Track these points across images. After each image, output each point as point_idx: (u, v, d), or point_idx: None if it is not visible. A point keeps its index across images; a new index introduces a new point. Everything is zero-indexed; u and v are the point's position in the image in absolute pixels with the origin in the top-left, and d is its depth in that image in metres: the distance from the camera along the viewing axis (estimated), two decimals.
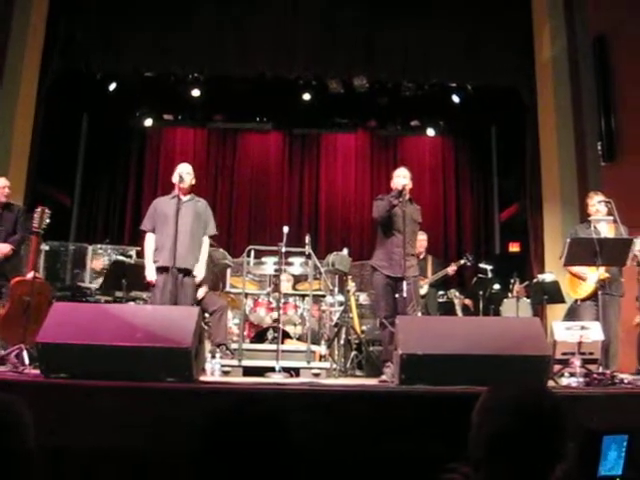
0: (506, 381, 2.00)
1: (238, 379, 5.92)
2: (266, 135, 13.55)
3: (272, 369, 6.14)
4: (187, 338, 4.45)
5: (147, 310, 5.71)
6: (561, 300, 7.66)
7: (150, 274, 6.49)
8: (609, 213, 6.34)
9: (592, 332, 5.63)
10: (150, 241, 6.62)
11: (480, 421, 1.91)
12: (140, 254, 8.68)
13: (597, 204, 6.47)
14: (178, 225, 6.20)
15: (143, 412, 3.82)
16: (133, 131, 13.25)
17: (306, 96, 12.00)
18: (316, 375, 6.39)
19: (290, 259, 7.73)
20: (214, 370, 6.20)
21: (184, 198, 6.62)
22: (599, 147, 9.67)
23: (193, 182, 6.84)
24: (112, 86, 11.31)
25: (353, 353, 8.06)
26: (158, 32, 9.73)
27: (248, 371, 6.34)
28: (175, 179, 6.71)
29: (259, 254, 8.14)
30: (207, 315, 7.23)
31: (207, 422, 1.63)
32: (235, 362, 6.45)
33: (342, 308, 8.17)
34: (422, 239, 8.82)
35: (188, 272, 6.47)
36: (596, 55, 9.93)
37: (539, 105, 10.31)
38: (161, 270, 6.40)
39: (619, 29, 9.68)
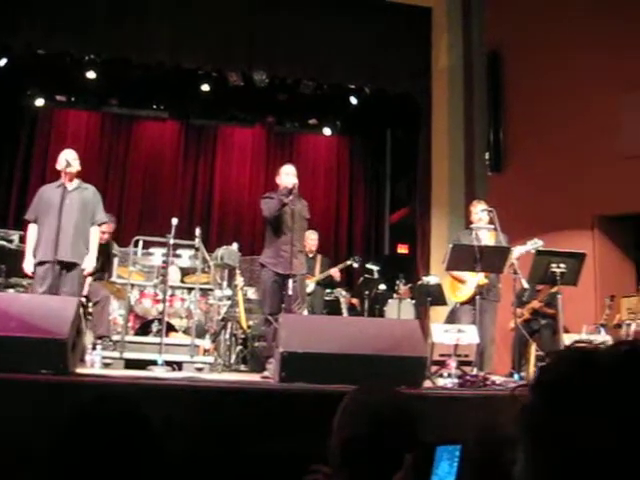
0: (364, 385, 2.06)
1: (118, 372, 5.79)
2: (162, 123, 13.31)
3: (154, 362, 6.03)
4: (63, 329, 4.32)
5: (23, 299, 5.50)
6: (443, 302, 7.90)
7: (28, 267, 6.27)
8: (491, 221, 6.58)
9: (468, 335, 5.84)
10: (32, 232, 6.38)
11: (337, 424, 1.95)
12: (23, 239, 8.36)
13: (480, 212, 6.70)
14: (62, 216, 5.98)
15: (15, 405, 3.69)
16: (23, 110, 12.71)
17: (205, 87, 11.88)
18: (199, 369, 6.33)
19: (179, 251, 7.64)
20: (94, 362, 6.04)
21: (70, 186, 6.40)
22: (487, 157, 10.05)
23: (79, 168, 6.61)
24: (2, 61, 10.81)
25: (238, 348, 8.05)
26: (55, 9, 9.35)
27: (130, 364, 6.20)
28: (60, 165, 6.46)
29: (148, 245, 8.00)
30: (90, 305, 7.06)
31: (68, 416, 1.60)
32: (117, 354, 6.30)
33: (229, 302, 8.14)
34: (313, 238, 8.91)
35: (71, 265, 6.26)
36: (489, 69, 10.34)
37: (433, 112, 10.60)
38: (42, 263, 6.17)
39: (512, 46, 10.09)
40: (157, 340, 6.41)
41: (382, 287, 9.79)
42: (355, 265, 9.33)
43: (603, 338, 6.98)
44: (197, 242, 7.33)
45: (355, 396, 2.03)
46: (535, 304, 8.15)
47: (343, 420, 1.96)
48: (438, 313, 8.57)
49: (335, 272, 9.02)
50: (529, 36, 9.88)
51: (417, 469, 1.53)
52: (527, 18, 9.91)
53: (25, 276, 7.17)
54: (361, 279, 9.58)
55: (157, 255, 7.68)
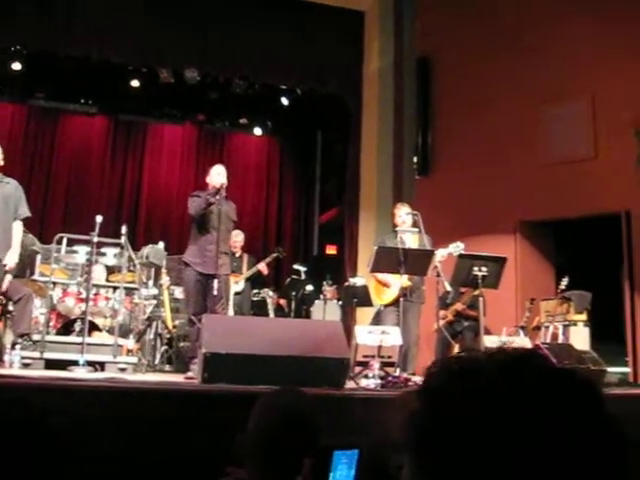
0: (275, 389, 2.13)
1: (37, 372, 5.66)
2: (90, 118, 13.05)
3: (76, 363, 5.92)
4: None
5: None
6: (369, 304, 7.97)
7: None
8: (415, 224, 6.68)
9: (391, 337, 5.92)
10: None
11: (250, 425, 2.01)
12: None
13: (404, 215, 6.79)
14: None
15: None
16: None
17: (135, 83, 11.71)
18: (122, 370, 6.24)
19: (104, 249, 7.52)
20: (13, 362, 5.88)
21: None
22: (415, 161, 10.22)
23: (1, 163, 6.42)
24: None
25: (163, 348, 7.98)
26: None
27: (51, 364, 6.07)
28: None
29: (73, 242, 7.85)
30: (11, 304, 6.87)
31: None
32: (37, 354, 6.15)
33: (155, 302, 8.05)
34: (240, 237, 8.89)
35: None
36: (419, 74, 10.51)
37: (363, 115, 10.71)
38: None
39: (442, 53, 10.28)
40: (79, 340, 6.29)
41: (309, 288, 9.85)
42: (281, 256, 9.32)
43: (522, 340, 7.18)
44: (123, 240, 7.22)
45: (265, 399, 2.10)
46: (458, 306, 8.32)
47: (252, 422, 2.02)
48: (364, 314, 8.65)
49: (263, 267, 9.01)
50: (459, 43, 10.08)
51: (315, 473, 1.56)
52: (457, 26, 10.11)
53: None
54: (288, 280, 9.60)
55: (81, 253, 7.54)
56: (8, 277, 6.69)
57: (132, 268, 7.94)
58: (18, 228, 6.37)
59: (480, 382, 0.77)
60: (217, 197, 6.14)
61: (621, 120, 8.66)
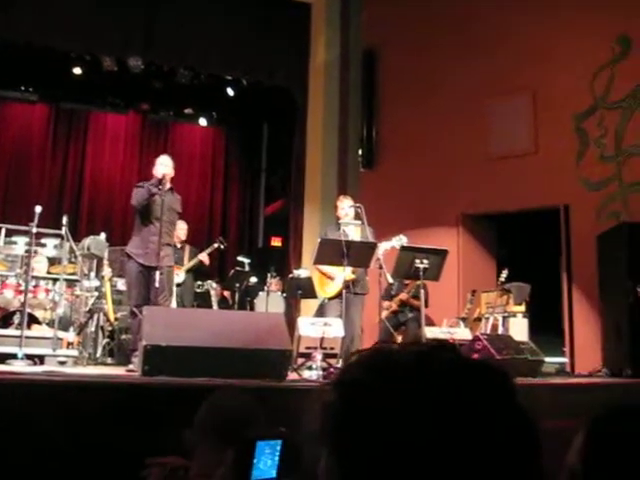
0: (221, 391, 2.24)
1: None
2: (31, 106, 12.75)
3: (14, 356, 5.81)
4: None
5: None
6: (313, 296, 7.98)
7: None
8: (358, 217, 6.72)
9: (334, 328, 5.95)
10: None
11: (196, 422, 2.09)
12: None
13: (347, 208, 6.81)
14: None
15: None
16: None
17: (77, 70, 11.48)
18: (62, 363, 6.15)
19: (44, 240, 7.37)
20: None
21: None
22: (360, 154, 10.29)
23: None
24: None
25: (105, 340, 7.88)
26: None
27: None
28: None
29: (11, 233, 7.69)
30: None
31: None
32: None
33: (97, 294, 7.94)
34: (182, 228, 8.80)
35: None
36: (365, 67, 10.57)
37: (309, 107, 10.72)
38: None
39: (388, 46, 10.35)
40: (18, 333, 6.17)
41: (253, 280, 9.83)
42: (222, 247, 9.27)
43: (462, 331, 7.29)
44: (63, 231, 7.10)
45: (210, 399, 2.20)
46: (403, 296, 8.41)
47: (198, 419, 2.11)
48: (309, 306, 8.69)
49: (204, 257, 8.94)
50: (405, 36, 10.17)
51: (238, 464, 1.58)
52: (404, 18, 10.20)
53: None
54: (232, 272, 9.57)
55: (20, 244, 7.39)
56: None
57: (73, 259, 7.81)
58: None
59: (393, 374, 0.79)
60: (160, 188, 6.08)
61: (562, 116, 8.87)
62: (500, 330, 8.04)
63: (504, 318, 8.15)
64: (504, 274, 8.19)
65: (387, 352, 0.84)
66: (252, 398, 2.30)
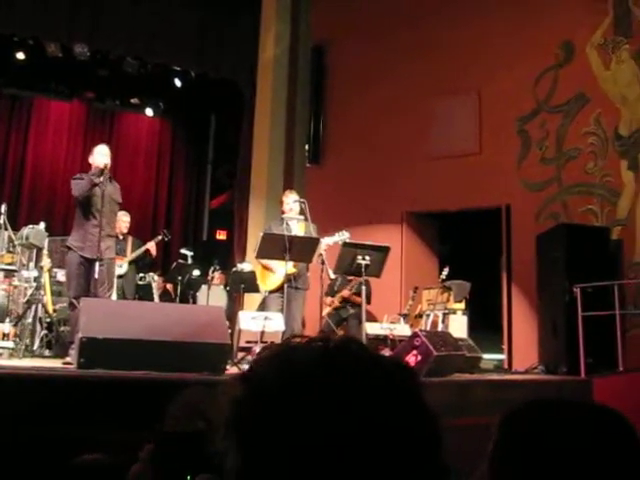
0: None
1: None
2: None
3: None
4: None
5: None
6: (256, 290, 7.97)
7: None
8: (302, 212, 6.73)
9: (274, 322, 5.98)
10: None
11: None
12: None
13: (292, 203, 6.82)
14: None
15: None
16: None
17: (20, 55, 11.21)
18: None
19: None
20: None
21: None
22: (306, 149, 10.30)
23: None
24: None
25: (43, 332, 7.73)
26: None
27: None
28: None
29: None
30: None
31: None
32: None
33: (35, 285, 7.79)
34: (125, 220, 8.70)
35: None
36: (314, 62, 10.58)
37: (257, 101, 10.69)
38: None
39: (337, 42, 10.38)
40: None
41: (196, 273, 9.76)
42: (165, 239, 9.19)
43: (402, 327, 7.38)
44: (1, 220, 6.95)
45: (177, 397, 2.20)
46: (345, 293, 8.46)
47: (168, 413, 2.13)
48: (252, 300, 8.67)
49: (152, 245, 8.86)
50: (354, 34, 10.21)
51: (154, 458, 1.59)
52: (354, 16, 10.25)
53: None
54: (174, 264, 9.49)
55: None
56: None
57: (11, 249, 7.65)
58: None
59: (296, 370, 0.80)
60: (101, 178, 5.99)
61: (505, 117, 9.03)
62: (440, 327, 8.15)
63: (444, 315, 8.26)
64: (445, 272, 8.31)
65: (293, 347, 0.85)
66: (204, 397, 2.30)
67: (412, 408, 0.82)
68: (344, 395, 0.78)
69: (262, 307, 7.44)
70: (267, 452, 0.78)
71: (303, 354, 0.83)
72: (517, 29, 8.98)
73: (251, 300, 8.74)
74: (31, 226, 7.70)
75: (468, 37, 9.27)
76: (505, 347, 8.77)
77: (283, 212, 6.92)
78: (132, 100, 13.07)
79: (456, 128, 9.30)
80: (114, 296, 7.42)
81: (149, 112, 13.27)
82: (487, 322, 8.93)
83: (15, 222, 7.30)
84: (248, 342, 6.25)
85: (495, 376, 7.24)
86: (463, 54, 9.30)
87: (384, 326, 7.25)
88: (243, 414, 0.81)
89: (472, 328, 8.23)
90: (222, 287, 9.59)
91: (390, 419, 0.79)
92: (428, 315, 8.35)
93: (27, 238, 7.45)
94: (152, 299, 9.02)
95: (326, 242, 6.53)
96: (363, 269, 6.32)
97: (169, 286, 9.95)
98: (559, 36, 8.77)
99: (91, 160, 6.29)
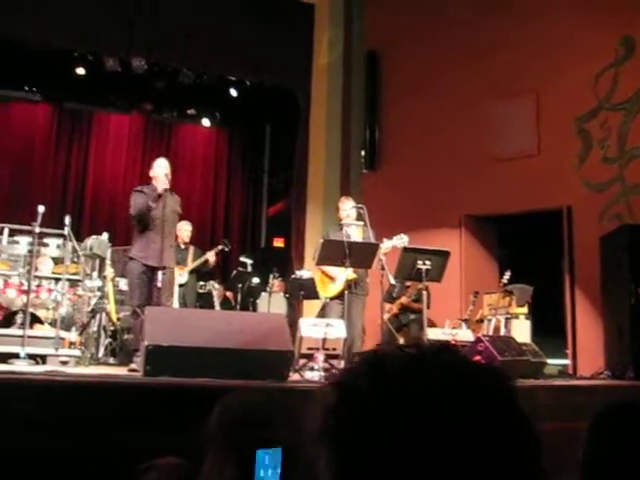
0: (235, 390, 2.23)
1: None
2: (34, 106, 12.76)
3: (16, 355, 5.81)
4: None
5: None
6: (316, 297, 7.98)
7: None
8: (360, 218, 6.72)
9: (336, 329, 5.96)
10: None
11: (211, 422, 2.07)
12: None
13: (349, 209, 6.82)
14: None
15: None
16: None
17: (80, 70, 11.49)
18: (64, 363, 6.14)
19: (46, 240, 7.38)
20: None
21: None
22: (362, 155, 10.29)
23: None
24: None
25: (107, 340, 7.89)
26: None
27: None
28: None
29: (14, 233, 7.69)
30: None
31: None
32: None
33: (99, 294, 7.95)
34: (187, 229, 8.82)
35: None
36: (368, 68, 10.58)
37: (312, 108, 10.73)
38: None
39: (391, 47, 10.35)
40: (20, 332, 6.17)
41: (256, 280, 9.82)
42: (226, 249, 9.29)
43: (464, 333, 7.29)
44: (66, 231, 7.10)
45: (225, 399, 2.18)
46: (404, 300, 8.41)
47: (214, 419, 2.10)
48: (312, 307, 8.69)
49: (211, 255, 8.96)
50: (407, 37, 10.17)
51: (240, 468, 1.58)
52: (407, 20, 10.21)
53: None
54: (234, 272, 9.57)
55: (23, 244, 7.39)
56: None
57: (76, 259, 7.82)
58: None
59: (387, 377, 0.79)
60: (157, 204, 6.08)
61: (565, 117, 8.86)
62: (502, 332, 8.03)
63: (506, 320, 8.14)
64: (507, 276, 8.18)
65: (385, 354, 0.85)
66: (267, 400, 2.28)
67: (509, 413, 0.80)
68: (437, 401, 0.77)
69: (322, 314, 7.44)
70: (360, 459, 0.77)
71: (395, 361, 0.82)
72: (575, 27, 8.82)
73: (310, 307, 8.76)
74: (94, 237, 7.86)
75: (525, 38, 9.14)
76: (569, 352, 8.59)
77: (340, 219, 6.92)
78: (189, 111, 13.25)
79: (514, 130, 9.17)
80: (176, 304, 7.54)
81: (206, 122, 13.43)
82: (550, 326, 8.76)
83: (78, 233, 7.46)
84: (309, 349, 6.23)
85: (560, 382, 7.08)
86: (520, 55, 9.17)
87: (446, 331, 7.17)
88: (335, 421, 0.81)
89: (535, 333, 8.09)
90: (281, 294, 9.64)
91: (486, 425, 0.77)
92: (489, 320, 8.24)
93: (91, 248, 7.60)
94: (213, 307, 9.12)
95: (385, 246, 6.50)
96: (424, 274, 6.26)
97: (229, 294, 10.04)
98: (618, 32, 8.59)
99: (151, 173, 6.40)
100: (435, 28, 9.92)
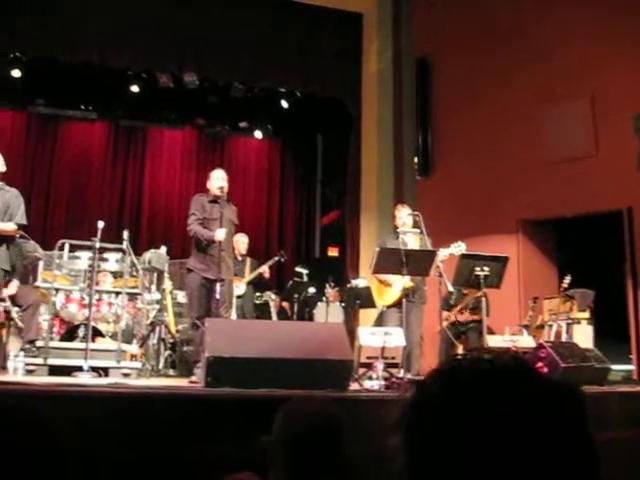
0: (300, 397, 2.19)
1: (41, 379, 5.65)
2: (90, 124, 13.06)
3: (80, 368, 5.92)
4: None
5: None
6: (372, 305, 7.95)
7: None
8: (416, 225, 6.68)
9: (394, 338, 5.92)
10: None
11: (275, 431, 2.04)
12: None
13: (405, 217, 6.79)
14: None
15: None
16: None
17: (134, 88, 11.73)
18: (126, 375, 6.24)
19: (106, 255, 7.51)
20: (17, 369, 5.88)
21: None
22: (415, 162, 10.22)
23: (3, 169, 6.37)
24: None
25: (167, 352, 7.99)
26: None
27: (54, 370, 6.05)
28: None
29: (75, 248, 7.85)
30: (18, 310, 6.91)
31: None
32: (41, 360, 6.14)
33: (158, 307, 8.06)
34: (243, 241, 8.90)
35: None
36: (418, 74, 10.52)
37: (363, 117, 10.73)
38: None
39: (440, 53, 10.29)
40: (83, 346, 6.28)
41: (312, 290, 9.84)
42: (282, 260, 9.34)
43: (525, 339, 7.17)
44: (125, 245, 7.22)
45: (290, 406, 2.14)
46: (461, 317, 8.31)
47: (278, 429, 2.07)
48: (367, 316, 8.65)
49: (265, 269, 9.01)
50: (457, 42, 10.09)
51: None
52: (456, 24, 10.12)
53: None
54: (290, 282, 9.60)
55: (83, 259, 7.54)
56: (16, 282, 6.71)
57: (134, 273, 7.94)
58: (9, 223, 6.24)
59: (460, 385, 0.81)
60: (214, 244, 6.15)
61: (621, 117, 8.67)
62: (564, 337, 7.88)
63: (568, 325, 7.98)
64: (567, 280, 8.03)
65: (459, 364, 0.85)
66: (334, 407, 2.25)
67: (577, 429, 0.80)
68: (507, 412, 0.77)
69: (379, 322, 7.40)
70: (436, 469, 0.78)
71: (468, 370, 0.83)
72: (630, 25, 8.63)
73: (366, 316, 8.72)
74: (153, 250, 7.99)
75: (578, 39, 8.98)
76: (634, 357, 8.37)
77: (396, 226, 6.88)
78: (241, 124, 13.40)
79: (570, 131, 9.00)
80: (234, 315, 7.59)
81: (258, 134, 13.55)
82: (613, 331, 8.54)
83: (135, 247, 7.57)
84: (369, 358, 6.21)
85: (626, 388, 6.90)
86: (574, 57, 9.01)
87: (506, 338, 7.05)
88: (410, 428, 0.82)
89: (598, 338, 7.91)
90: (337, 303, 9.62)
91: (554, 438, 0.77)
92: (550, 326, 8.09)
93: (150, 262, 7.72)
94: (270, 318, 9.17)
95: (443, 254, 6.44)
96: (482, 280, 6.18)
97: (285, 304, 10.07)
98: None
99: (208, 185, 6.46)
100: (485, 33, 9.82)
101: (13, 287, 6.68)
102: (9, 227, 6.20)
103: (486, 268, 6.19)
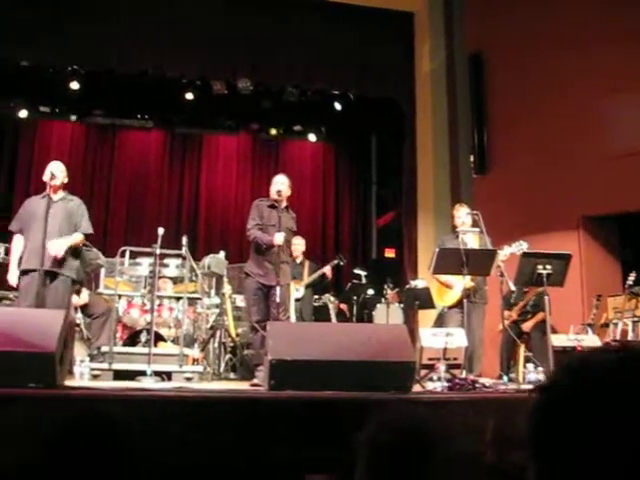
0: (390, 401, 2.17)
1: (107, 384, 5.76)
2: (147, 133, 13.29)
3: (143, 373, 6.01)
4: (51, 343, 4.29)
5: (9, 313, 5.46)
6: (432, 306, 7.89)
7: (12, 278, 6.19)
8: (475, 224, 6.59)
9: (456, 338, 5.85)
10: (16, 243, 6.31)
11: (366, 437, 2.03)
12: (8, 252, 8.28)
13: (463, 216, 6.72)
14: (47, 226, 5.93)
15: (3, 419, 3.66)
16: (6, 121, 12.60)
17: (189, 95, 11.89)
18: (188, 379, 6.31)
19: (166, 261, 7.62)
20: (83, 374, 6.01)
21: (55, 197, 6.33)
22: (471, 160, 10.09)
23: (65, 180, 6.53)
24: None
25: (227, 356, 8.05)
26: (37, 20, 9.31)
27: (119, 375, 6.17)
28: (46, 177, 6.35)
29: (135, 255, 7.98)
30: (87, 318, 7.11)
31: (52, 431, 1.59)
32: (105, 366, 6.26)
33: (218, 311, 8.13)
34: (299, 243, 8.91)
35: (55, 275, 6.15)
36: (472, 71, 10.39)
37: (417, 117, 10.65)
38: (27, 272, 6.06)
39: (493, 48, 10.14)
40: (145, 350, 6.38)
41: (370, 292, 9.80)
42: (342, 263, 9.33)
43: (590, 338, 7.01)
44: (184, 251, 7.30)
45: (381, 411, 2.13)
46: (525, 327, 8.18)
47: (369, 435, 2.04)
48: (427, 317, 8.58)
49: (328, 270, 9.03)
50: (511, 38, 9.93)
51: None
52: (508, 20, 9.96)
53: (9, 288, 7.08)
54: (349, 284, 9.59)
55: (144, 265, 7.65)
56: (86, 292, 6.88)
57: (194, 278, 8.03)
58: (77, 235, 6.36)
59: (590, 377, 0.78)
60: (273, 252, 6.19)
61: None
62: (630, 336, 7.68)
63: (634, 323, 7.77)
64: (632, 277, 7.82)
65: (587, 356, 0.84)
66: (424, 410, 2.22)
67: None
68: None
69: (439, 323, 7.34)
70: (563, 460, 0.76)
71: (598, 362, 0.80)
72: None
73: (425, 317, 8.65)
74: (212, 255, 8.07)
75: (634, 30, 8.74)
76: None
77: (455, 226, 6.81)
78: (295, 127, 13.45)
79: (632, 125, 8.76)
80: (293, 318, 7.61)
81: (312, 137, 13.59)
82: None
83: (194, 252, 7.66)
84: (430, 359, 6.16)
85: None
86: (631, 50, 8.77)
87: (571, 337, 6.89)
88: (539, 425, 0.81)
89: None
90: (396, 305, 9.57)
91: None
92: (615, 324, 7.89)
93: (209, 267, 7.80)
94: (329, 320, 9.16)
95: (504, 253, 6.35)
96: (545, 279, 6.05)
97: (343, 306, 10.06)
98: None
99: (271, 190, 6.49)
100: (539, 23, 9.62)
101: (85, 296, 6.85)
102: (78, 239, 6.35)
103: (548, 266, 6.06)
